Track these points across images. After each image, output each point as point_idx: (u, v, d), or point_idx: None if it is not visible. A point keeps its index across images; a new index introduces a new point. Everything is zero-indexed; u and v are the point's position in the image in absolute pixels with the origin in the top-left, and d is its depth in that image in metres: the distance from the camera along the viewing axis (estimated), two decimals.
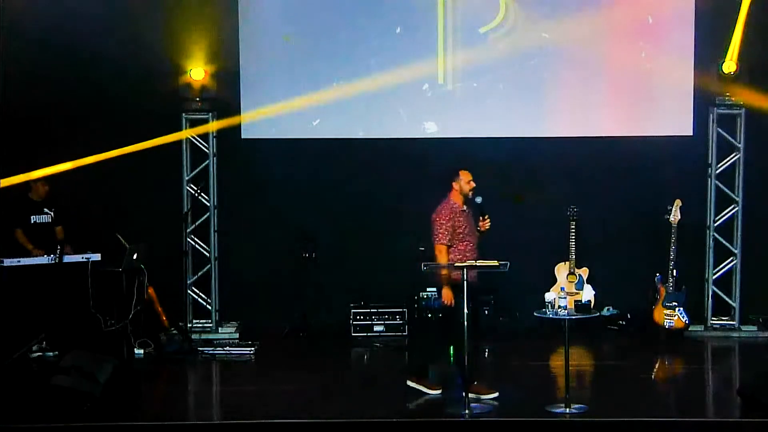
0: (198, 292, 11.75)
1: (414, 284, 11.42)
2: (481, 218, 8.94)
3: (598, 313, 9.21)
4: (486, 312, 11.49)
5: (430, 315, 11.50)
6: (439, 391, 8.83)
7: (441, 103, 11.73)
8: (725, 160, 11.58)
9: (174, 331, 11.01)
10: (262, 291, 11.78)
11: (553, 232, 11.41)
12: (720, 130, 11.54)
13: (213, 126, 11.64)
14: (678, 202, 11.16)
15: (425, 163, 11.77)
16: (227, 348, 10.72)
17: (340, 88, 11.58)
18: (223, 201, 11.81)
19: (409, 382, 8.94)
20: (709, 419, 8.43)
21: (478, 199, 8.88)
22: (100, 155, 11.07)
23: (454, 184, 8.96)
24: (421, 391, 8.86)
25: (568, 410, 8.29)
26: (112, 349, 9.68)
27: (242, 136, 11.74)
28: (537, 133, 11.66)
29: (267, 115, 11.62)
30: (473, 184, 8.94)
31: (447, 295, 8.71)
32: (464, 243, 8.84)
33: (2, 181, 10.51)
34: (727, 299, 11.62)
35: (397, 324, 11.45)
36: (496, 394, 8.71)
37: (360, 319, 11.43)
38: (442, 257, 8.75)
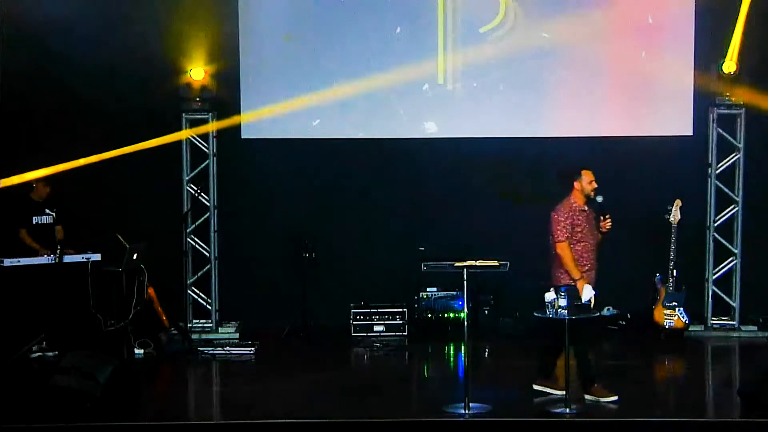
0: (198, 292, 11.75)
1: (414, 284, 11.44)
2: (602, 218, 8.90)
3: (598, 313, 9.20)
4: (486, 312, 11.51)
5: (430, 315, 11.52)
6: (563, 391, 8.61)
7: (441, 103, 11.73)
8: (725, 160, 11.58)
9: (174, 331, 11.00)
10: (262, 291, 11.78)
11: None
12: (720, 130, 11.54)
13: (213, 126, 11.64)
14: (678, 202, 11.15)
15: (425, 163, 11.78)
16: (227, 348, 10.72)
17: (340, 88, 11.57)
18: (223, 201, 11.81)
19: (535, 386, 8.84)
20: (709, 419, 8.44)
21: (599, 198, 8.85)
22: (100, 155, 11.06)
23: (575, 183, 8.92)
24: (547, 392, 8.78)
25: (568, 410, 8.29)
26: (112, 349, 9.69)
27: (242, 136, 11.73)
28: (537, 133, 11.66)
29: (267, 115, 11.62)
30: (595, 185, 8.88)
31: (585, 290, 8.66)
32: (581, 244, 8.79)
33: (2, 181, 10.52)
34: (727, 299, 11.62)
35: (397, 324, 11.45)
36: (615, 398, 8.59)
37: (360, 319, 11.43)
38: (566, 254, 8.68)
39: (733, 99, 11.38)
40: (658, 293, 11.21)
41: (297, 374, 9.78)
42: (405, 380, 9.89)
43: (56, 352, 10.12)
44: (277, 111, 11.57)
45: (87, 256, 10.39)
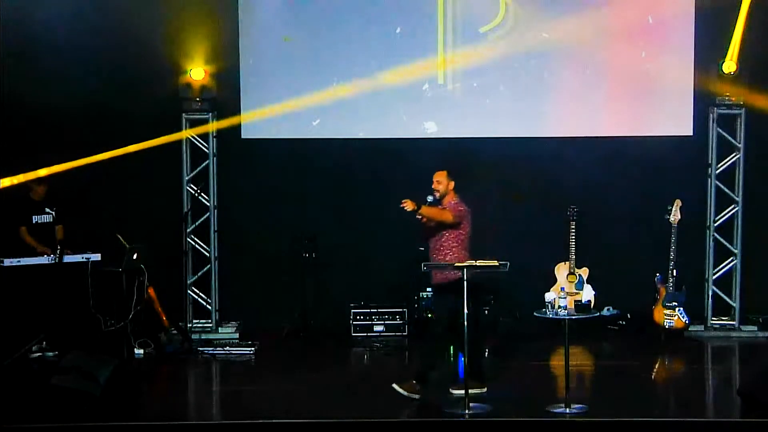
0: (198, 292, 11.76)
1: (414, 284, 11.43)
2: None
3: (598, 313, 9.22)
4: (486, 312, 11.51)
5: (429, 315, 11.51)
6: (419, 396, 8.71)
7: (441, 103, 11.73)
8: (725, 160, 11.58)
9: (174, 331, 11.01)
10: (262, 291, 11.78)
11: (553, 232, 11.41)
12: (720, 130, 11.54)
13: (213, 126, 11.65)
14: (678, 202, 11.16)
15: (425, 163, 11.76)
16: (227, 348, 10.72)
17: (340, 88, 11.58)
18: (223, 201, 11.81)
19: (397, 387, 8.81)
20: (709, 419, 8.44)
21: (429, 198, 8.94)
22: (100, 155, 11.06)
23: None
24: (403, 395, 8.72)
25: (568, 410, 8.29)
26: (112, 349, 9.70)
27: (242, 136, 11.73)
28: (537, 133, 11.65)
29: (267, 115, 11.62)
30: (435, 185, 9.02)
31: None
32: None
33: (2, 180, 10.51)
34: (727, 299, 11.62)
35: (397, 324, 11.45)
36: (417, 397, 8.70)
37: (360, 319, 11.43)
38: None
39: (733, 99, 11.37)
40: (658, 293, 11.22)
41: (297, 374, 9.78)
42: (405, 380, 9.87)
43: (56, 352, 10.12)
44: (277, 111, 11.57)
45: (87, 256, 10.39)
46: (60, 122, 11.37)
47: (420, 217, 8.90)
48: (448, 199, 9.01)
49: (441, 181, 9.01)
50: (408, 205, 8.79)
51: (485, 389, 8.80)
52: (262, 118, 11.64)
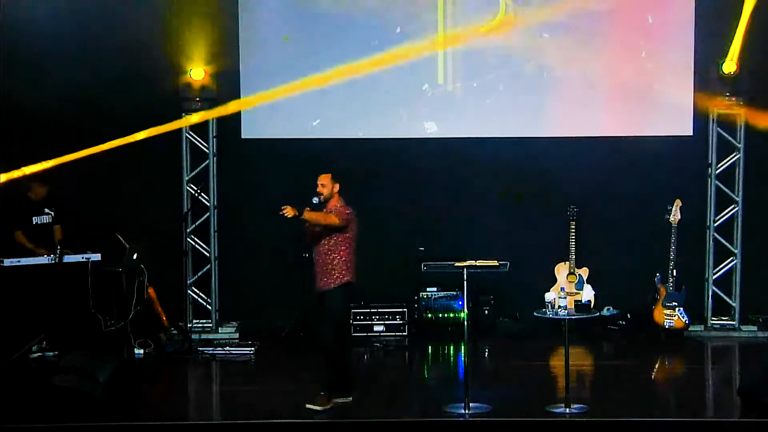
0: (198, 292, 11.76)
1: (414, 284, 11.43)
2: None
3: (598, 313, 9.22)
4: (486, 312, 11.52)
5: (430, 315, 11.52)
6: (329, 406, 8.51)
7: (441, 103, 11.73)
8: (725, 160, 11.59)
9: (174, 331, 11.01)
10: (262, 291, 11.78)
11: (553, 232, 11.41)
12: (720, 130, 11.54)
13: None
14: (678, 202, 11.16)
15: (425, 163, 11.78)
16: (227, 348, 10.72)
17: (340, 89, 11.57)
18: (223, 201, 11.81)
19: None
20: (709, 419, 8.44)
21: (315, 200, 8.78)
22: (100, 147, 11.02)
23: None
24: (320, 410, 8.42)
25: (568, 410, 8.29)
26: (112, 349, 9.69)
27: (242, 136, 11.74)
28: (537, 133, 11.65)
29: (267, 116, 11.62)
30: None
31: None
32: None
33: (2, 175, 10.50)
34: (727, 299, 11.62)
35: (397, 324, 11.45)
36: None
37: (360, 319, 11.43)
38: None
39: (733, 99, 11.38)
40: (658, 293, 11.22)
41: (297, 374, 9.77)
42: (405, 380, 9.88)
43: (56, 352, 10.12)
44: (277, 111, 11.57)
45: (87, 256, 10.37)
46: (60, 122, 11.36)
47: (305, 222, 8.68)
48: (333, 203, 8.79)
49: (325, 184, 8.77)
50: (288, 212, 8.54)
51: (350, 398, 8.62)
52: (262, 118, 11.64)
